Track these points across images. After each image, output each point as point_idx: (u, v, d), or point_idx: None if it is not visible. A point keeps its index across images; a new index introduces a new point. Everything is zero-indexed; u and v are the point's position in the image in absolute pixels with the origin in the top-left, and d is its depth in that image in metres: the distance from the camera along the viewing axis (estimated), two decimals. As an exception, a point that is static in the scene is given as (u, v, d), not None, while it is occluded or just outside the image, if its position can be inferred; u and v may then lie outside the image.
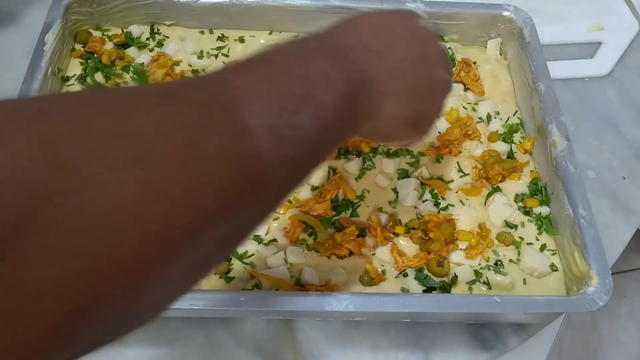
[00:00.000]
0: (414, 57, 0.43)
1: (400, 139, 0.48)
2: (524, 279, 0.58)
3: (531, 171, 0.65)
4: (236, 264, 0.57)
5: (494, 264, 0.58)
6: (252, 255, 0.58)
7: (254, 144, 0.29)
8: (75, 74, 0.69)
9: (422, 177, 0.64)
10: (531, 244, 0.60)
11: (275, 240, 0.59)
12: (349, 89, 0.37)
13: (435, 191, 0.63)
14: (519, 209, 0.62)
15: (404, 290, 0.56)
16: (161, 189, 0.24)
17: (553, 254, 0.59)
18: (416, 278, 0.57)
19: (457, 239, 0.60)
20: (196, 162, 0.25)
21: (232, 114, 0.29)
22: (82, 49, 0.72)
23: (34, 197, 0.21)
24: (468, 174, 0.65)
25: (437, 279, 0.57)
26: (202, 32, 0.75)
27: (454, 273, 0.57)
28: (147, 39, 0.74)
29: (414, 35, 0.45)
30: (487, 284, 0.57)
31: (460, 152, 0.67)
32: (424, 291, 0.56)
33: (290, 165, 0.32)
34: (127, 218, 0.23)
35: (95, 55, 0.71)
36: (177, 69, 0.72)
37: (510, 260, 0.59)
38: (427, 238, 0.59)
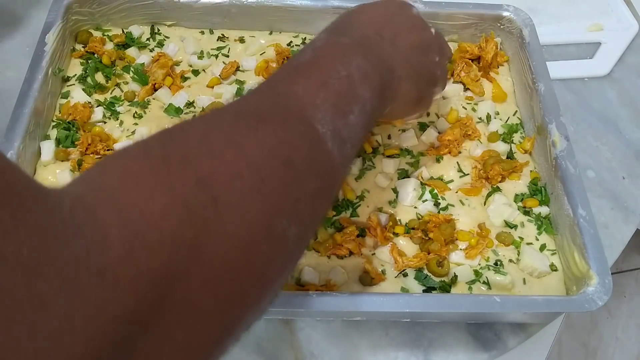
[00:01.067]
0: (415, 44, 0.48)
1: (406, 116, 0.56)
2: (524, 279, 0.58)
3: (531, 171, 0.65)
4: (236, 264, 0.57)
5: (494, 263, 0.59)
6: (252, 255, 0.58)
7: (328, 151, 0.33)
8: (75, 74, 0.70)
9: (422, 177, 0.64)
10: (531, 243, 0.60)
11: (275, 240, 0.59)
12: (378, 81, 0.41)
13: (435, 191, 0.63)
14: (518, 209, 0.62)
15: (404, 290, 0.56)
16: (277, 209, 0.28)
17: (553, 254, 0.59)
18: (416, 278, 0.57)
19: (456, 239, 0.60)
20: (296, 179, 0.30)
21: (307, 125, 0.32)
22: (82, 49, 0.72)
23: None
24: (468, 174, 0.65)
25: (437, 279, 0.57)
26: (203, 33, 0.75)
27: (454, 273, 0.57)
28: (148, 39, 0.74)
29: (412, 23, 0.49)
30: (486, 283, 0.57)
31: (460, 152, 0.67)
32: (424, 291, 0.56)
33: (348, 162, 0.37)
34: (260, 234, 0.27)
35: (95, 55, 0.71)
36: (178, 69, 0.72)
37: (510, 260, 0.59)
38: (426, 238, 0.59)
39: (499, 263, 0.59)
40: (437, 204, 0.62)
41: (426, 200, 0.62)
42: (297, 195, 0.30)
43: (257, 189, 0.27)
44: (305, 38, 0.76)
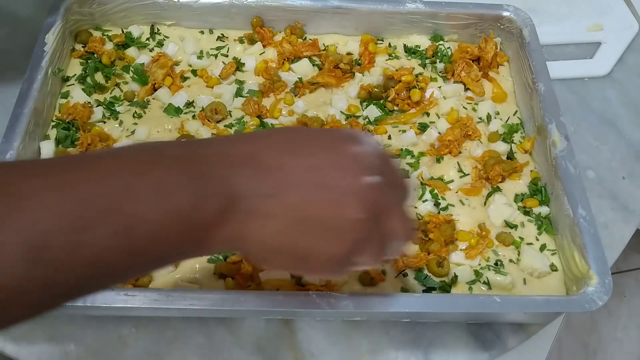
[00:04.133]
0: (316, 180, 0.35)
1: (287, 270, 0.44)
2: (524, 279, 0.58)
3: (531, 171, 0.65)
4: (236, 264, 0.57)
5: (494, 264, 0.58)
6: (252, 255, 0.58)
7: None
8: (75, 74, 0.69)
9: (422, 177, 0.64)
10: (531, 244, 0.60)
11: (275, 240, 0.59)
12: (190, 203, 0.32)
13: (435, 191, 0.63)
14: (518, 209, 0.62)
15: (404, 290, 0.56)
16: None
17: (553, 254, 0.59)
18: (416, 278, 0.57)
19: (457, 239, 0.60)
20: None
21: None
22: (82, 49, 0.72)
23: None
24: (468, 174, 0.65)
25: (437, 279, 0.57)
26: (202, 32, 0.75)
27: (454, 273, 0.57)
28: (147, 39, 0.74)
29: (333, 159, 0.36)
30: (487, 284, 0.57)
31: (460, 153, 0.67)
32: (424, 291, 0.56)
33: (52, 288, 0.30)
34: None
35: (95, 55, 0.71)
36: (177, 69, 0.72)
37: (510, 260, 0.59)
38: (427, 238, 0.59)
39: (499, 263, 0.59)
40: (437, 204, 0.62)
41: (426, 200, 0.62)
42: None
43: None
44: (305, 38, 0.76)
